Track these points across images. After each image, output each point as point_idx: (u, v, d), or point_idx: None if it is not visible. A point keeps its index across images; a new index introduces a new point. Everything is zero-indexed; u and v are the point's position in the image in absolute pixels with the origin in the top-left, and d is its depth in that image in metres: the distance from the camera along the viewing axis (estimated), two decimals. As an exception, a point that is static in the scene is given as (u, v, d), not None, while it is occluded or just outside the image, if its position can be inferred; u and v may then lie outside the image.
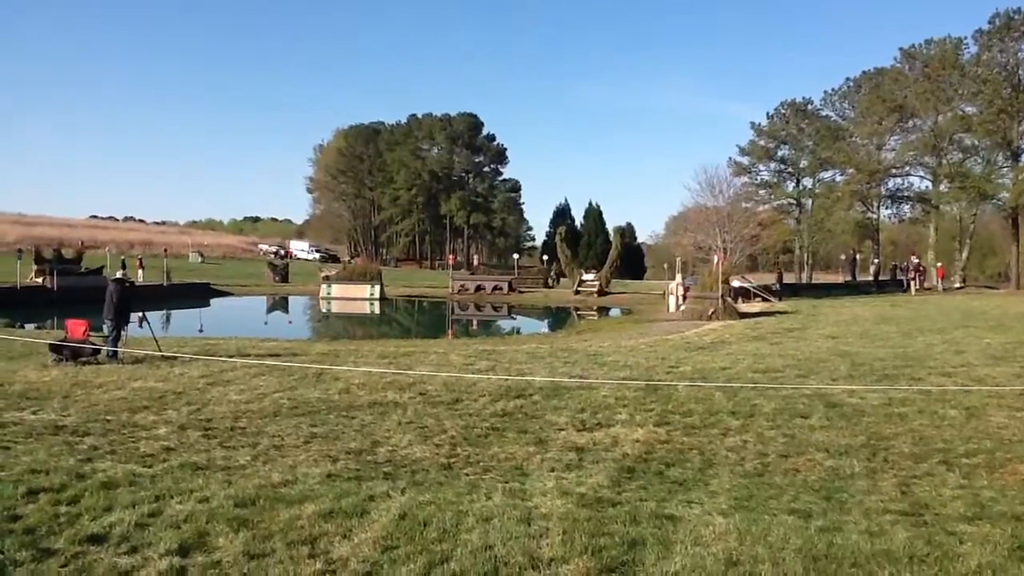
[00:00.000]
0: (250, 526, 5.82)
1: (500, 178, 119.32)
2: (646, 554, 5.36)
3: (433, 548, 5.44)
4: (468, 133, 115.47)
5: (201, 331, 26.55)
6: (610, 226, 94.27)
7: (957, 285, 55.74)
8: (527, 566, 5.16)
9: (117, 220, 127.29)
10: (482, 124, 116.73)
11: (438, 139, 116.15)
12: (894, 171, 66.71)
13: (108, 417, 10.08)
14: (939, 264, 55.96)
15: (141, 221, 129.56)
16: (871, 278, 54.58)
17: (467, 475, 7.70)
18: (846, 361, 16.04)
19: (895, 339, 20.80)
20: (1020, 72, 56.17)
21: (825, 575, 5.04)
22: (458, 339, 27.68)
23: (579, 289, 52.14)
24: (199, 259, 74.45)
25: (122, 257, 43.88)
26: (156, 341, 16.69)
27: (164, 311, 34.64)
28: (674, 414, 10.66)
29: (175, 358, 15.42)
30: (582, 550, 5.38)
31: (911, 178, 67.66)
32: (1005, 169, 58.84)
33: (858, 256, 61.67)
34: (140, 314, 17.92)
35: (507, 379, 13.31)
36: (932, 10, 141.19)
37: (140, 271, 48.38)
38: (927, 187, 65.35)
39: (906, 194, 68.42)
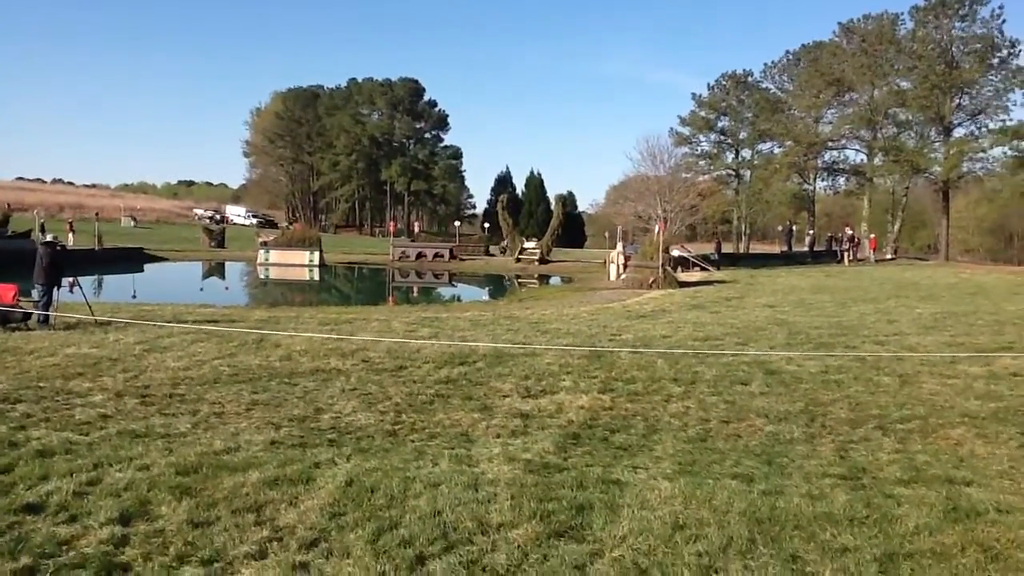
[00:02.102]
0: (193, 494, 5.73)
1: (441, 145, 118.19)
2: (594, 518, 5.41)
3: (381, 514, 5.42)
4: (409, 99, 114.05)
5: (135, 297, 25.94)
6: (551, 194, 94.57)
7: (889, 256, 57.20)
8: (476, 531, 5.17)
9: (45, 182, 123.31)
10: (423, 90, 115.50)
11: (379, 104, 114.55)
12: (831, 144, 67.98)
13: (41, 384, 9.79)
14: (872, 236, 57.24)
15: (70, 183, 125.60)
16: (806, 249, 55.68)
17: (413, 442, 7.66)
18: (783, 329, 16.34)
19: (830, 308, 21.26)
20: (953, 49, 57.48)
21: (769, 537, 5.14)
22: (399, 306, 27.55)
23: (520, 257, 52.20)
24: (132, 223, 72.70)
25: (41, 221, 42.48)
26: (89, 306, 16.24)
27: (96, 276, 33.78)
28: (617, 381, 10.74)
29: (109, 323, 15.05)
30: (530, 515, 5.41)
31: (847, 151, 69.19)
32: (937, 144, 60.34)
33: (794, 227, 62.84)
34: (71, 279, 17.41)
35: (451, 345, 13.28)
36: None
37: (70, 235, 46.97)
38: (862, 160, 66.81)
39: (842, 167, 69.91)
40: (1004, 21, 55.91)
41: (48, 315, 15.32)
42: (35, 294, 15.91)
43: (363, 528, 5.16)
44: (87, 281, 24.89)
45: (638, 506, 5.64)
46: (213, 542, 4.95)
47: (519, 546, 4.95)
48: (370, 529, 5.14)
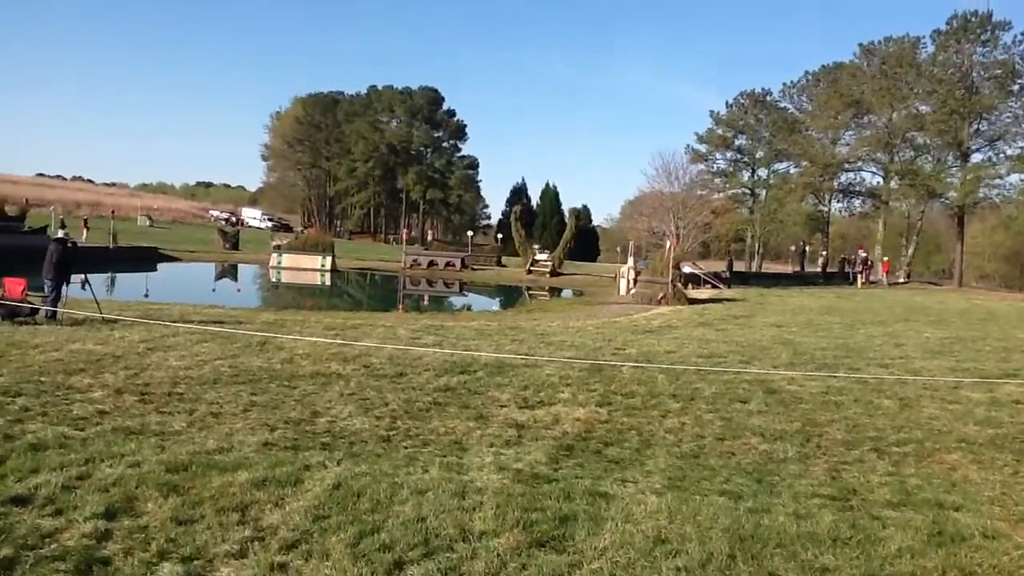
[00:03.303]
0: (180, 492, 5.77)
1: (458, 154, 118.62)
2: (577, 529, 5.42)
3: (365, 518, 5.44)
4: (428, 107, 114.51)
5: (146, 296, 26.12)
6: (566, 207, 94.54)
7: (902, 280, 56.89)
8: (458, 538, 5.19)
9: (65, 179, 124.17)
10: (443, 99, 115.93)
11: (398, 112, 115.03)
12: (847, 165, 67.66)
13: (42, 378, 9.87)
14: (885, 259, 56.98)
15: (90, 181, 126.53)
16: (819, 270, 55.46)
17: (405, 448, 7.69)
18: (788, 349, 16.29)
19: (838, 330, 21.18)
20: (973, 74, 57.18)
21: (750, 554, 5.13)
22: (407, 313, 27.59)
23: (532, 269, 52.18)
24: (147, 223, 72.95)
25: (61, 217, 42.67)
26: (97, 303, 16.36)
27: (108, 274, 33.96)
28: (616, 395, 10.74)
29: (116, 321, 15.15)
30: (513, 524, 5.42)
31: (863, 173, 68.78)
32: (954, 169, 59.97)
33: (807, 248, 62.61)
34: (82, 276, 17.53)
35: (453, 354, 13.30)
36: (894, 8, 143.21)
37: (84, 232, 47.20)
38: (878, 183, 66.46)
39: (857, 189, 69.55)
40: (1026, 48, 55.72)
41: (55, 311, 15.45)
42: (44, 289, 16.05)
43: (345, 531, 5.18)
44: (99, 278, 25.05)
45: (622, 519, 5.64)
46: (195, 540, 4.98)
47: (499, 554, 4.96)
48: (352, 532, 5.16)
